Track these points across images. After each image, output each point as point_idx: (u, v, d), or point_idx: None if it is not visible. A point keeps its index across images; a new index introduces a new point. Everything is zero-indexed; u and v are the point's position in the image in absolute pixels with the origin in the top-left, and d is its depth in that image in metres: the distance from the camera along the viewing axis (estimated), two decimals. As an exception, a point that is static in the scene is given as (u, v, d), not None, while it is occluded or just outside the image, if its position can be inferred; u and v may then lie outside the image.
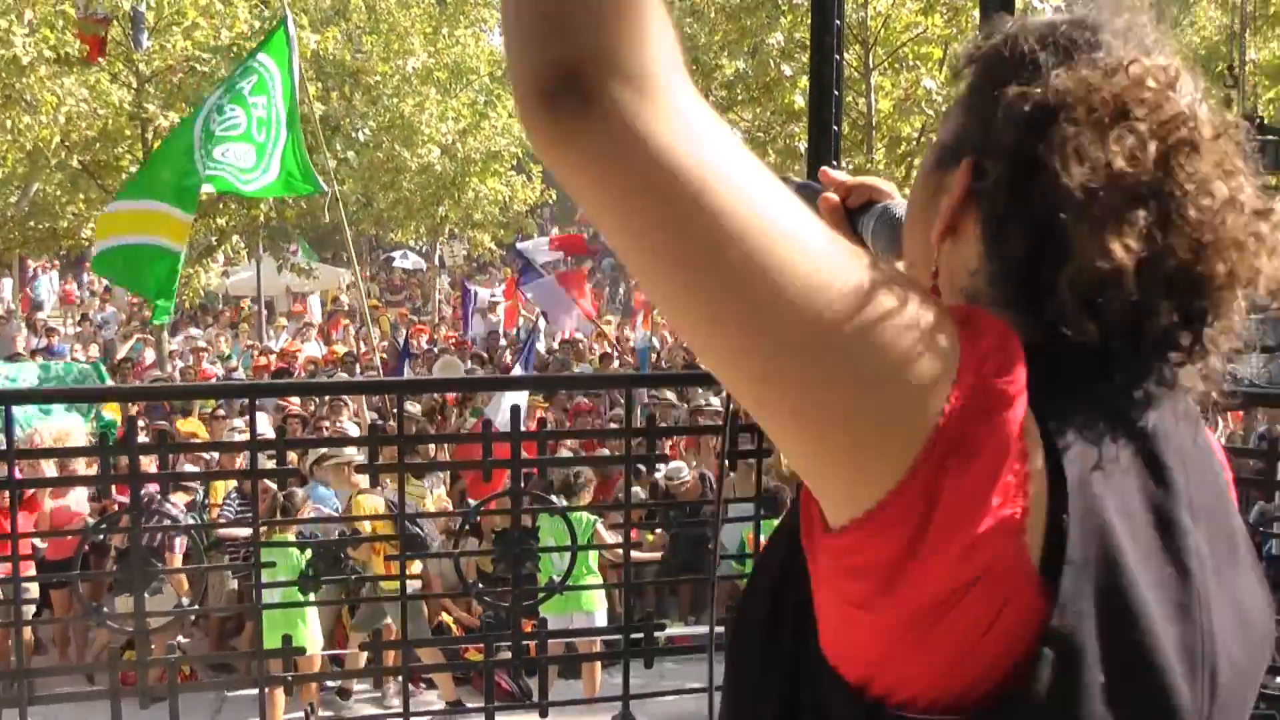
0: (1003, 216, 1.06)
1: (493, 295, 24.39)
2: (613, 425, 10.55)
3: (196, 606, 6.19)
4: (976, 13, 15.68)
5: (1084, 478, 0.94)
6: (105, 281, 32.38)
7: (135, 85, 15.81)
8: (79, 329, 23.67)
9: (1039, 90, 1.04)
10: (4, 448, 4.50)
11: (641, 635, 4.34)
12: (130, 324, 23.60)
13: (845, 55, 3.88)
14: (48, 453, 7.77)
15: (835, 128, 3.84)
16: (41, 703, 5.02)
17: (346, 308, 23.05)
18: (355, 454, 8.74)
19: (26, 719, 4.66)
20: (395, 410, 4.76)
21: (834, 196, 1.49)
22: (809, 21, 3.89)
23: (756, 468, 4.35)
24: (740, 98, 18.90)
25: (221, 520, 8.86)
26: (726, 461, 4.61)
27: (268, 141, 10.33)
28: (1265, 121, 18.44)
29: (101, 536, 6.90)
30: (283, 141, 10.35)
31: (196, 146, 9.97)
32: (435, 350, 18.11)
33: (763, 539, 4.21)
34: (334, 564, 5.52)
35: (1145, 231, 0.98)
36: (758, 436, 4.27)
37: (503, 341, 19.54)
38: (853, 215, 1.46)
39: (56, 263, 33.59)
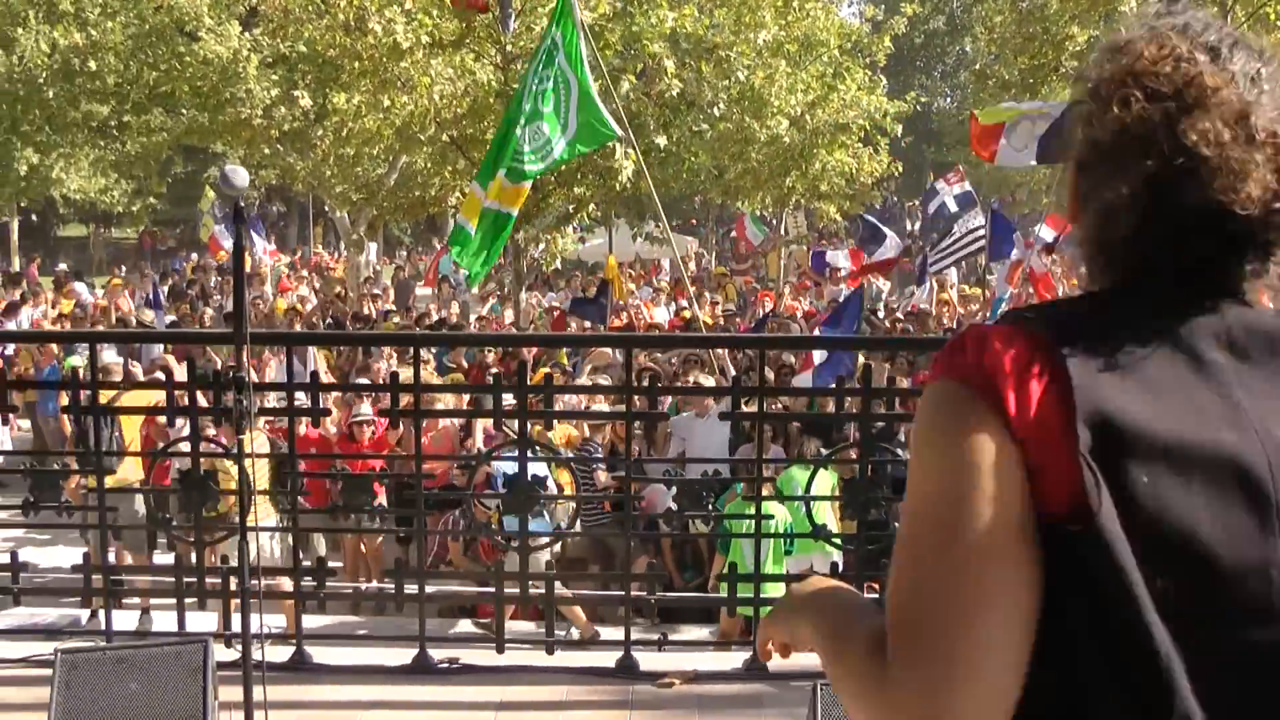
0: (1084, 195, 1.39)
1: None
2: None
3: (573, 531, 6.78)
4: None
5: (1085, 375, 1.23)
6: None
7: (500, 65, 16.68)
8: (437, 290, 25.13)
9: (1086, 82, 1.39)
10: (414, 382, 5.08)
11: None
12: (487, 285, 24.95)
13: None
14: (451, 388, 8.52)
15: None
16: (435, 600, 5.65)
17: (692, 275, 23.57)
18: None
19: (425, 619, 5.25)
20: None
21: None
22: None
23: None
24: (1093, 67, 18.20)
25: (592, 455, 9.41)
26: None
27: (560, 103, 10.69)
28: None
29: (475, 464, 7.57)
30: (575, 95, 10.66)
31: (521, 135, 10.58)
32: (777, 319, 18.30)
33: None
34: (696, 501, 5.89)
35: (1147, 176, 1.29)
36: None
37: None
38: None
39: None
